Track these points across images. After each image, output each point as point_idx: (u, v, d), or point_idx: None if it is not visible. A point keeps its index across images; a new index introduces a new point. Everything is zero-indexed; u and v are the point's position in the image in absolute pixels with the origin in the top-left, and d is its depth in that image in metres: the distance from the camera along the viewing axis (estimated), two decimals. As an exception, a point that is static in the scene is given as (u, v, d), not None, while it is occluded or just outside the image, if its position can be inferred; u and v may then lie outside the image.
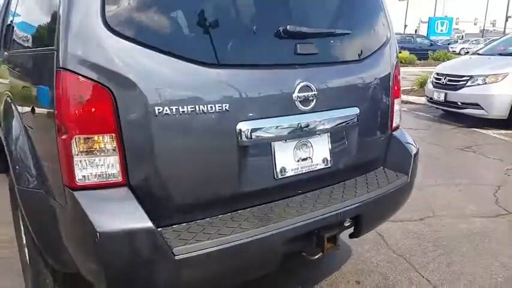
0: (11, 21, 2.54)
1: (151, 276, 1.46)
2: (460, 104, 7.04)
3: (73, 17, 1.40)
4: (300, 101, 1.79)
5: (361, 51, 2.10)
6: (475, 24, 70.09)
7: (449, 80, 7.29)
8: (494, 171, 4.81)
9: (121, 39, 1.43)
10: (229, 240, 1.54)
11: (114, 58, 1.42)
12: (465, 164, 5.09)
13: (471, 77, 6.89)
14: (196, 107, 1.54)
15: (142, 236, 1.42)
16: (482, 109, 6.77)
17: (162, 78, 1.50)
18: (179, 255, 1.45)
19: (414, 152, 2.32)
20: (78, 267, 1.55)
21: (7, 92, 2.21)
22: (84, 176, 1.43)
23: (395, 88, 2.29)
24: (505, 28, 45.93)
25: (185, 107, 1.52)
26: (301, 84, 1.78)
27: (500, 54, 7.73)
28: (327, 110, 1.89)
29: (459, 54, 23.63)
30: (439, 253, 2.87)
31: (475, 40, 37.16)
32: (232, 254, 1.55)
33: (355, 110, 2.02)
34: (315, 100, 1.83)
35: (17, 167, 1.79)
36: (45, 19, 1.65)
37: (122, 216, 1.42)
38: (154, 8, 1.54)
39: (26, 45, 2.05)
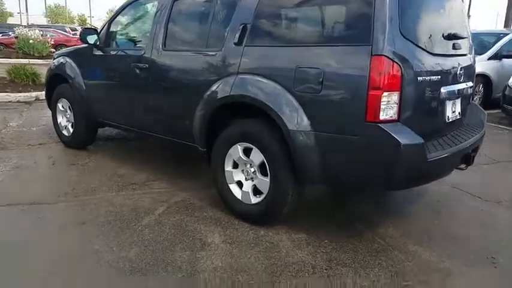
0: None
1: (419, 169, 2.62)
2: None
3: (385, 29, 2.47)
4: (459, 76, 3.04)
5: (469, 48, 3.42)
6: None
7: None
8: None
9: (405, 39, 2.56)
10: (444, 152, 2.76)
11: (403, 49, 2.54)
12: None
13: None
14: (432, 77, 2.73)
15: (420, 147, 2.54)
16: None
17: (419, 61, 2.66)
18: (429, 159, 2.61)
19: (485, 113, 3.70)
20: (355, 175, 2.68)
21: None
22: (383, 115, 2.49)
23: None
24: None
25: (428, 77, 2.70)
26: (460, 65, 3.04)
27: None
28: (464, 82, 3.17)
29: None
30: (475, 182, 4.35)
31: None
32: (445, 158, 2.75)
33: (471, 84, 3.33)
34: (463, 76, 3.09)
35: (287, 118, 2.79)
36: (360, 29, 2.57)
37: (408, 136, 2.51)
38: (417, 26, 2.74)
39: (329, 40, 2.77)
